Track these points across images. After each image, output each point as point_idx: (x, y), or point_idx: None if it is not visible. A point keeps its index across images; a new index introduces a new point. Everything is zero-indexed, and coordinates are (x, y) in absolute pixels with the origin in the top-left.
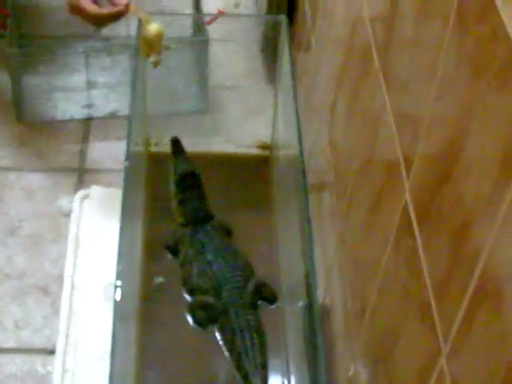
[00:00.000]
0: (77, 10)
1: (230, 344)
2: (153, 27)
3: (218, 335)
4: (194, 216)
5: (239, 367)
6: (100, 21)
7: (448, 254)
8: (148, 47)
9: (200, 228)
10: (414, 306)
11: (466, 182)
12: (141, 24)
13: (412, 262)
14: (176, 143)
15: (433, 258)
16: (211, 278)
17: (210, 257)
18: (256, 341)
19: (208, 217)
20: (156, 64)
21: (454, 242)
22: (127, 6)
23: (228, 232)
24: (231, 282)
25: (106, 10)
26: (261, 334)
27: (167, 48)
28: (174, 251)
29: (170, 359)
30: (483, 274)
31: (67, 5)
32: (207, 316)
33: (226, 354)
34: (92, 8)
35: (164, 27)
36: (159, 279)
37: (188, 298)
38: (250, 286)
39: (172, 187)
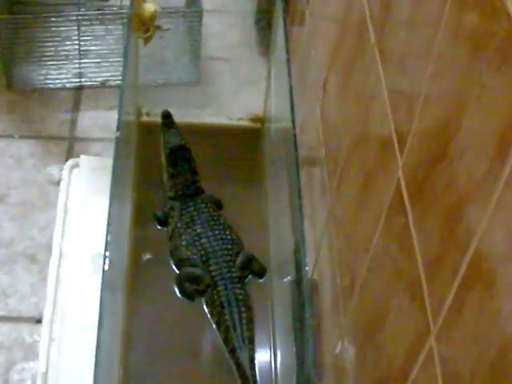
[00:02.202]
0: None
1: (218, 317)
2: (148, 7)
3: (205, 308)
4: (184, 189)
5: (226, 341)
6: None
7: (440, 233)
8: (140, 25)
9: (190, 201)
10: (404, 284)
11: (460, 162)
12: None
13: (403, 240)
14: (167, 117)
15: (425, 237)
16: (200, 250)
17: (199, 229)
18: (244, 315)
19: (198, 190)
20: (147, 41)
21: (446, 222)
22: None
23: (218, 205)
24: (220, 256)
25: None
26: (248, 308)
27: (158, 28)
28: (163, 222)
29: (157, 330)
30: (476, 254)
31: None
32: (195, 288)
33: (214, 326)
34: None
35: (158, 7)
36: (147, 256)
37: (176, 269)
38: (239, 260)
39: (163, 160)
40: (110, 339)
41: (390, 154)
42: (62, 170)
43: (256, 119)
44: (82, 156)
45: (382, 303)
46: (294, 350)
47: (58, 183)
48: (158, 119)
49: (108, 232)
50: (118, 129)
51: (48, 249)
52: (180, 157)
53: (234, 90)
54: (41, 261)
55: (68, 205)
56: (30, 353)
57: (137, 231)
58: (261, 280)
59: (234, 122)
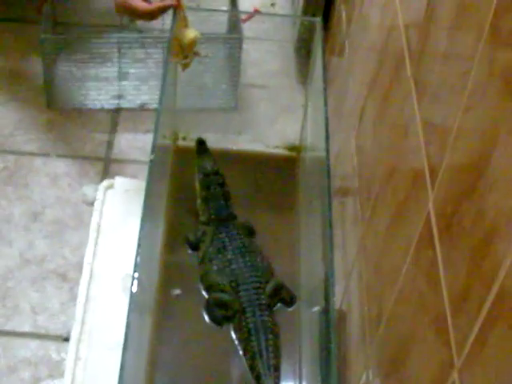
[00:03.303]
0: (124, 9)
1: (245, 344)
2: (189, 33)
3: (233, 334)
4: (216, 215)
5: (252, 367)
6: (149, 16)
7: (467, 267)
8: (180, 50)
9: (222, 227)
10: (430, 317)
11: (490, 197)
12: (176, 22)
13: (431, 273)
14: (201, 143)
15: (452, 271)
16: (230, 276)
17: (230, 255)
18: (271, 342)
19: (231, 216)
20: (185, 67)
21: (474, 256)
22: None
23: (250, 232)
24: (250, 282)
25: (155, 4)
26: (276, 336)
27: (197, 54)
28: (195, 247)
29: (184, 354)
30: (501, 290)
31: (114, 5)
32: (223, 314)
33: (241, 353)
34: (142, 5)
35: (198, 33)
36: (176, 291)
37: (205, 294)
38: (269, 288)
39: (196, 185)
40: (135, 360)
41: (421, 187)
42: (96, 190)
43: (292, 148)
44: (117, 177)
45: (408, 336)
46: (319, 379)
47: (92, 203)
48: (194, 144)
49: (137, 254)
50: (152, 151)
51: (79, 268)
52: (213, 181)
53: (272, 117)
54: (71, 279)
55: (101, 225)
56: (56, 371)
57: (168, 254)
58: (290, 309)
59: (271, 150)
